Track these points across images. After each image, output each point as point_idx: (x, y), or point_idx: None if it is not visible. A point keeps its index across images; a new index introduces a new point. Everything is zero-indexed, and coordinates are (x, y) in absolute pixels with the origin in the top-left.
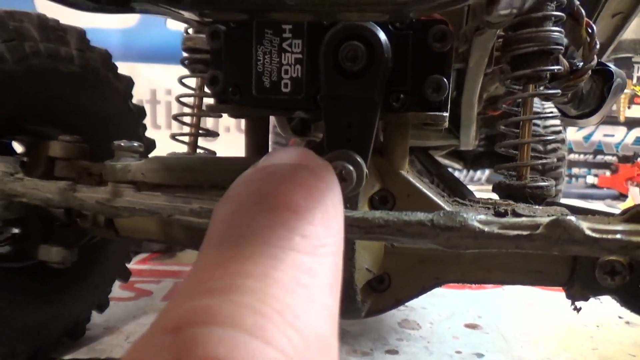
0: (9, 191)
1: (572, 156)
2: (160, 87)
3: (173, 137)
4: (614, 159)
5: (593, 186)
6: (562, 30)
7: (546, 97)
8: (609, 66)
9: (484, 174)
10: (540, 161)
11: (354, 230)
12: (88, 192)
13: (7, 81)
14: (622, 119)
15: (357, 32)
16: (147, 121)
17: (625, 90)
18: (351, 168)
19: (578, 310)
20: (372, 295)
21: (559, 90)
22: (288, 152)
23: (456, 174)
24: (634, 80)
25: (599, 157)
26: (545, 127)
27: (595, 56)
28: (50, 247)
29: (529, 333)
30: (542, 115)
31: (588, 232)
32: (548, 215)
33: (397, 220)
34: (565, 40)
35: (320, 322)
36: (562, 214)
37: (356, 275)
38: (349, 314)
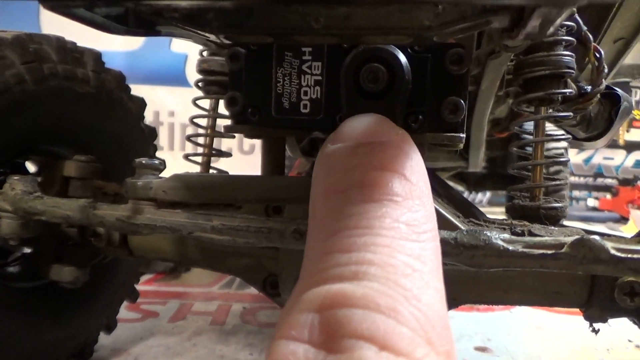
0: (29, 209)
1: (573, 179)
2: (164, 109)
3: (186, 157)
4: (614, 181)
5: (594, 209)
6: (573, 54)
7: (556, 120)
8: (616, 90)
9: (485, 196)
10: (553, 182)
11: None
12: (108, 209)
13: (26, 102)
14: (621, 142)
15: (378, 55)
16: None
17: None
18: None
19: (596, 332)
20: None
21: (570, 113)
22: (370, 123)
23: None
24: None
25: (599, 180)
26: (548, 149)
27: (603, 80)
28: (62, 267)
29: (539, 357)
30: (555, 137)
31: (613, 251)
32: (566, 236)
33: None
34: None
35: (436, 304)
36: (579, 234)
37: None
38: None
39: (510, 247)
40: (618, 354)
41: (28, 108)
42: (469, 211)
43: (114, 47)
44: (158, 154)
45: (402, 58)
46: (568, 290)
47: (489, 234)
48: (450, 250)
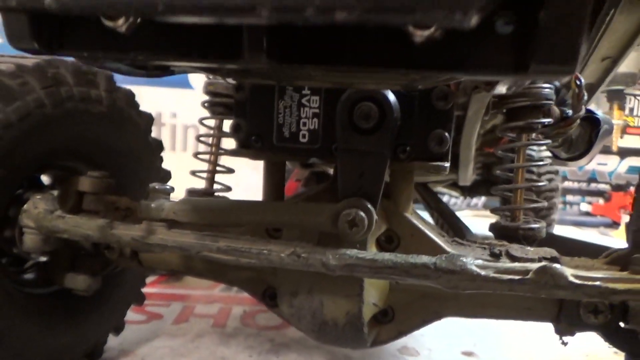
0: (52, 227)
1: (567, 184)
2: (166, 110)
3: (193, 173)
4: (608, 187)
5: (587, 214)
6: (552, 86)
7: (537, 145)
8: (596, 114)
9: (480, 199)
10: (532, 205)
11: (365, 270)
12: (124, 229)
13: (45, 123)
14: (614, 148)
15: (370, 95)
16: None
17: (618, 121)
18: (363, 215)
19: (565, 344)
20: (377, 327)
21: (549, 141)
22: None
23: (453, 200)
24: (626, 111)
25: (593, 185)
26: (540, 159)
27: (583, 106)
28: (76, 275)
29: None
30: (533, 164)
31: (571, 278)
32: (539, 257)
33: (404, 262)
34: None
35: None
36: (551, 255)
37: (364, 309)
38: (356, 344)
39: (483, 273)
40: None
41: (47, 129)
42: (455, 225)
43: None
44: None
45: (392, 97)
46: (539, 307)
47: (464, 260)
48: (431, 274)
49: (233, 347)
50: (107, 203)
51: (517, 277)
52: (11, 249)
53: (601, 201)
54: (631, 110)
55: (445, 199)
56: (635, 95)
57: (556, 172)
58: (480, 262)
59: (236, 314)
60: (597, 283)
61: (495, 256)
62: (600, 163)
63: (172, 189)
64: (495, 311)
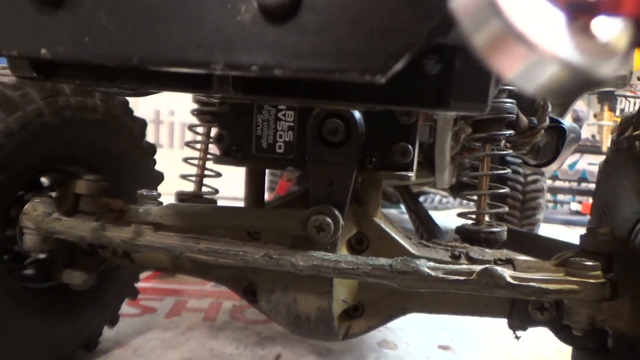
0: (50, 229)
1: (558, 183)
2: (164, 108)
3: (183, 177)
4: None
5: (577, 213)
6: (514, 101)
7: (500, 156)
8: (562, 123)
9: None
10: (496, 210)
11: (329, 270)
12: (115, 231)
13: (45, 131)
14: (604, 149)
15: (337, 112)
16: (150, 140)
17: (609, 122)
18: (329, 220)
19: (518, 338)
20: (348, 321)
21: (510, 151)
22: None
23: (445, 199)
24: (617, 112)
25: (584, 185)
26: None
27: (547, 117)
28: (73, 272)
29: (498, 355)
30: (495, 172)
31: (509, 279)
32: (494, 259)
33: (363, 264)
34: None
35: None
36: (506, 257)
37: (334, 305)
38: (328, 337)
39: (433, 273)
40: (566, 354)
41: (46, 136)
42: (429, 227)
43: None
44: (158, 151)
45: (357, 115)
46: (494, 305)
47: (417, 262)
48: (387, 274)
49: (221, 340)
50: (102, 205)
51: (462, 278)
52: (12, 247)
53: (591, 200)
54: (622, 111)
55: (437, 198)
56: (626, 97)
57: (542, 174)
58: (431, 264)
59: (226, 308)
60: (532, 283)
61: (456, 257)
62: (591, 163)
63: (159, 195)
64: (455, 308)
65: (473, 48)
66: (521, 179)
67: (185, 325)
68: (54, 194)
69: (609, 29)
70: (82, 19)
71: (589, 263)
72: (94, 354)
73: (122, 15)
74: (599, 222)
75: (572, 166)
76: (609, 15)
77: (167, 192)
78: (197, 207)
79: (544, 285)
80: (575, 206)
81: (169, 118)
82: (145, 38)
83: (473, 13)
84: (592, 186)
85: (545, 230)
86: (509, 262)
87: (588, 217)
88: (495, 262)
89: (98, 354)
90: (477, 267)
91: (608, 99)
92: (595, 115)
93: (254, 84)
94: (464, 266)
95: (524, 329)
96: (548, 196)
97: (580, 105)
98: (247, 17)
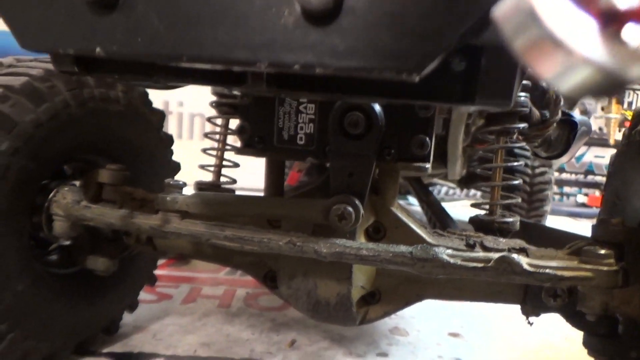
0: (80, 216)
1: (564, 175)
2: (173, 99)
3: (202, 167)
4: (604, 179)
5: (583, 205)
6: (528, 94)
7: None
8: (574, 117)
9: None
10: (509, 201)
11: (351, 257)
12: (143, 219)
13: (70, 122)
14: (612, 142)
15: (358, 105)
16: None
17: (616, 115)
18: (351, 209)
19: (531, 324)
20: (365, 307)
21: (524, 144)
22: None
23: (452, 190)
24: (625, 105)
25: (590, 177)
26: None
27: (559, 110)
28: (97, 258)
29: (507, 343)
30: (509, 165)
31: (526, 266)
32: (508, 248)
33: (384, 251)
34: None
35: None
36: (520, 246)
37: (352, 291)
38: (346, 322)
39: (452, 261)
40: (575, 342)
41: (72, 127)
42: (441, 217)
43: None
44: None
45: (377, 108)
46: (508, 291)
47: (436, 249)
48: (408, 261)
49: (237, 326)
50: (124, 193)
51: (480, 265)
52: (38, 234)
53: (597, 193)
54: (630, 104)
55: (444, 189)
56: (634, 90)
57: (550, 166)
58: (450, 251)
59: (240, 295)
60: (547, 270)
61: (470, 246)
62: (598, 156)
63: (184, 184)
64: (470, 294)
65: (513, 51)
66: (529, 171)
67: (201, 312)
68: (77, 183)
69: (638, 35)
70: (134, 20)
71: (603, 252)
72: (114, 337)
73: (173, 17)
74: (610, 214)
75: (579, 159)
76: (637, 23)
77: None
78: (222, 196)
79: (559, 272)
80: (581, 198)
81: (178, 109)
82: (194, 39)
83: (514, 20)
84: (599, 179)
85: (552, 222)
86: (522, 251)
87: (594, 210)
88: (510, 251)
89: (119, 338)
90: (495, 255)
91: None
92: (602, 108)
93: (287, 79)
94: (481, 254)
95: (538, 314)
96: (555, 188)
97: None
98: (290, 20)
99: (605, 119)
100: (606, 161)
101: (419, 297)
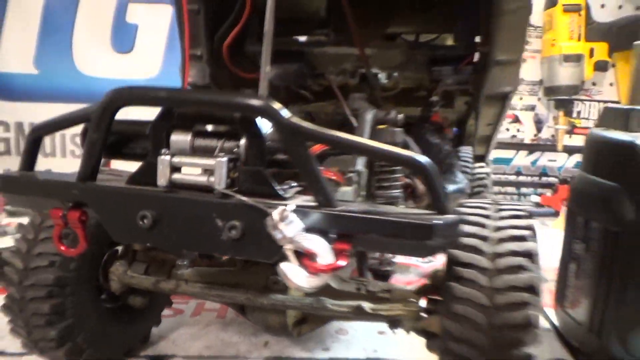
0: (127, 281)
1: (522, 178)
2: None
3: None
4: (557, 180)
5: (537, 204)
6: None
7: None
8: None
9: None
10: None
11: (279, 304)
12: (164, 284)
13: None
14: (560, 148)
15: None
16: None
17: (564, 126)
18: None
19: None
20: (299, 326)
21: None
22: None
23: None
24: (574, 115)
25: (544, 179)
26: (475, 173)
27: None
28: (135, 297)
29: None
30: None
31: (368, 310)
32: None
33: (295, 301)
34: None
35: None
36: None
37: (288, 319)
38: (287, 335)
39: (332, 307)
40: None
41: None
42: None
43: (137, 75)
44: None
45: None
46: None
47: (324, 300)
48: (308, 307)
49: (229, 332)
50: (150, 258)
51: (346, 310)
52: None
53: (549, 193)
54: (579, 113)
55: None
56: (582, 100)
57: (487, 174)
58: (332, 301)
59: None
60: (381, 312)
61: (358, 290)
62: (550, 159)
63: (189, 263)
64: (354, 318)
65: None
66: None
67: (204, 322)
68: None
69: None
70: None
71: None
72: (147, 345)
73: None
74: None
75: (534, 163)
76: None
77: None
78: (210, 269)
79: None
80: (535, 198)
81: None
82: None
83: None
84: (552, 180)
85: None
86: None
87: (546, 209)
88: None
89: (150, 346)
90: (355, 303)
91: (564, 106)
92: (554, 119)
93: None
94: (349, 302)
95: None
96: (513, 189)
97: (541, 109)
98: None
99: (554, 129)
100: (559, 164)
101: (329, 319)
